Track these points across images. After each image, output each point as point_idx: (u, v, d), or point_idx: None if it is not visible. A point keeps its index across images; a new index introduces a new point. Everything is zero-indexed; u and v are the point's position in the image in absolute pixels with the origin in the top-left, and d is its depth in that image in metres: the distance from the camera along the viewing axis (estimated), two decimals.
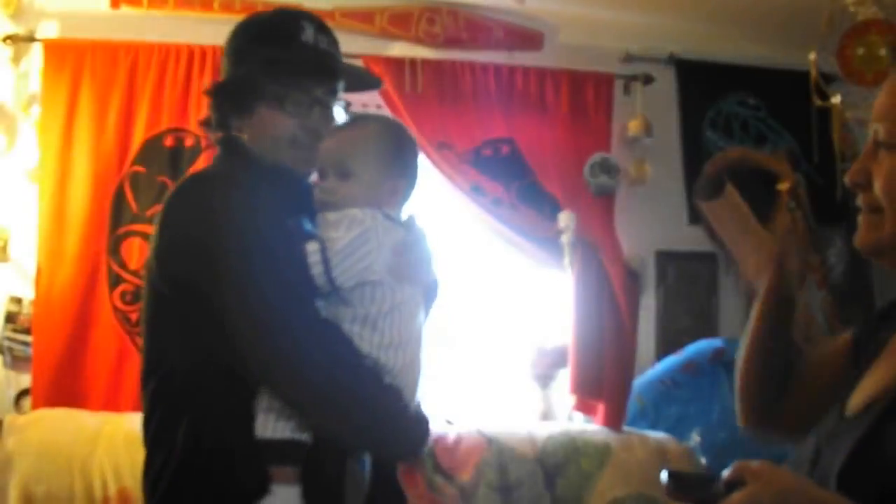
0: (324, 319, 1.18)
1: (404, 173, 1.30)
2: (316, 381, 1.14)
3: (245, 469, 1.16)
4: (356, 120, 1.35)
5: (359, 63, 2.78)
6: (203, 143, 2.64)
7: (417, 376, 1.24)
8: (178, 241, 1.18)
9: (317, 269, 1.16)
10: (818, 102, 2.77)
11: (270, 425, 1.17)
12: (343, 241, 1.17)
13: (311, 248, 1.16)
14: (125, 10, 2.75)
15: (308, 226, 1.25)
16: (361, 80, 1.43)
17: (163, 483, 1.18)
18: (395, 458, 1.34)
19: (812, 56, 2.72)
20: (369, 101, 2.78)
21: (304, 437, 1.17)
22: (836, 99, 2.76)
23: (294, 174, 1.30)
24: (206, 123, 1.35)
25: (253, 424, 1.17)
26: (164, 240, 1.19)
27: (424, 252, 1.27)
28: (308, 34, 1.29)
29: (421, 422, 1.23)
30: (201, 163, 2.65)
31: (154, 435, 1.21)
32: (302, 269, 1.16)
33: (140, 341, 2.62)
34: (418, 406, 1.25)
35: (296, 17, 1.32)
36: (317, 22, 1.32)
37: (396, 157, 1.29)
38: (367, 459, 1.24)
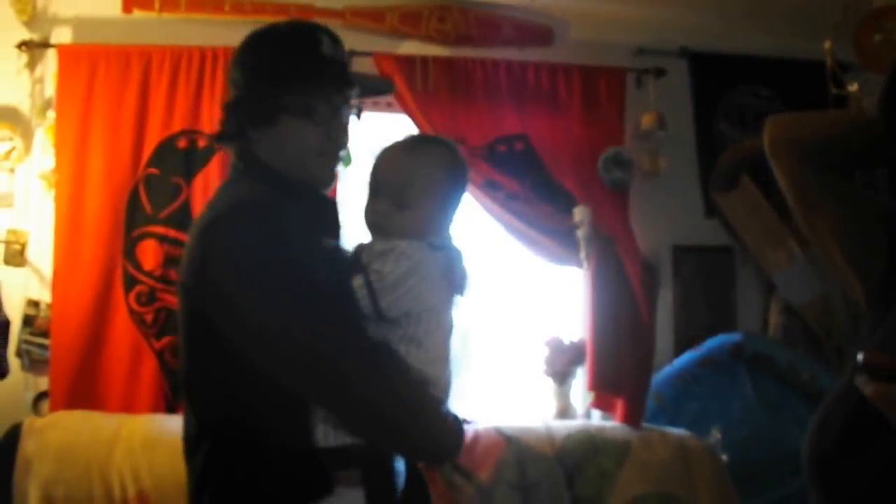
0: (376, 341, 1.21)
1: (458, 204, 1.33)
2: (373, 403, 1.17)
3: (308, 471, 1.19)
4: (419, 143, 1.37)
5: (370, 61, 2.80)
6: (217, 146, 2.65)
7: (452, 383, 1.29)
8: (224, 272, 1.17)
9: (364, 302, 1.20)
10: (834, 90, 2.73)
11: (331, 434, 1.19)
12: (391, 276, 1.20)
13: (357, 283, 1.20)
14: (138, 14, 2.77)
15: (346, 250, 1.28)
16: (375, 87, 1.47)
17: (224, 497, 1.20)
18: (438, 464, 1.38)
19: (828, 44, 2.68)
20: (380, 99, 2.78)
21: (361, 440, 1.21)
22: (853, 87, 2.72)
23: (320, 192, 1.33)
24: (220, 137, 1.34)
25: (312, 434, 1.19)
26: (209, 271, 1.18)
27: (464, 271, 1.30)
28: (326, 46, 1.32)
29: (459, 428, 1.28)
30: (214, 164, 2.66)
31: (208, 457, 1.21)
32: (350, 295, 1.20)
33: (156, 343, 2.67)
34: (454, 412, 1.29)
35: (313, 30, 1.35)
36: (330, 33, 1.35)
37: (454, 192, 1.32)
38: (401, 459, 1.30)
